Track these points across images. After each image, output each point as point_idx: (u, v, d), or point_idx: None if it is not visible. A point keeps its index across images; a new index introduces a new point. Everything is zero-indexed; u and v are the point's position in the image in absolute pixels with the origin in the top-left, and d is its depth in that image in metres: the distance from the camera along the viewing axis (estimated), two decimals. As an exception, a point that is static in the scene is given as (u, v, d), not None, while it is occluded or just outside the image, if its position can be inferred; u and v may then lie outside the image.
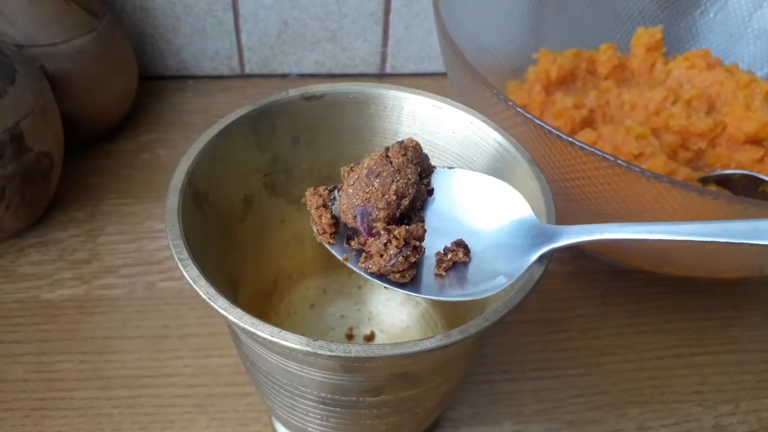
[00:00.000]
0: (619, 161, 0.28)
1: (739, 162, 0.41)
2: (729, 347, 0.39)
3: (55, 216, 0.44)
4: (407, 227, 0.22)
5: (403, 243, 0.21)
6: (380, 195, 0.22)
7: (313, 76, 0.59)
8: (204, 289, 0.20)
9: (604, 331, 0.39)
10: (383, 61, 0.59)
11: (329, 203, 0.23)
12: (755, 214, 0.28)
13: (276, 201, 0.31)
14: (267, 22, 0.55)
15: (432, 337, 0.19)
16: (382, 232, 0.21)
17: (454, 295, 0.22)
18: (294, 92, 0.28)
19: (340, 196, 0.23)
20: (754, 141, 0.42)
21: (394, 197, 0.22)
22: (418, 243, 0.22)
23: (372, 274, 0.22)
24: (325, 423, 0.26)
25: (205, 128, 0.26)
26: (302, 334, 0.19)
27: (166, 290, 0.39)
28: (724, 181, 0.40)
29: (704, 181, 0.40)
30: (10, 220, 0.39)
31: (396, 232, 0.21)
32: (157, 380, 0.35)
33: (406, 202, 0.22)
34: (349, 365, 0.21)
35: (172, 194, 0.23)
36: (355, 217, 0.22)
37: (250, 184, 0.29)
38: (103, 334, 0.37)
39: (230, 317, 0.19)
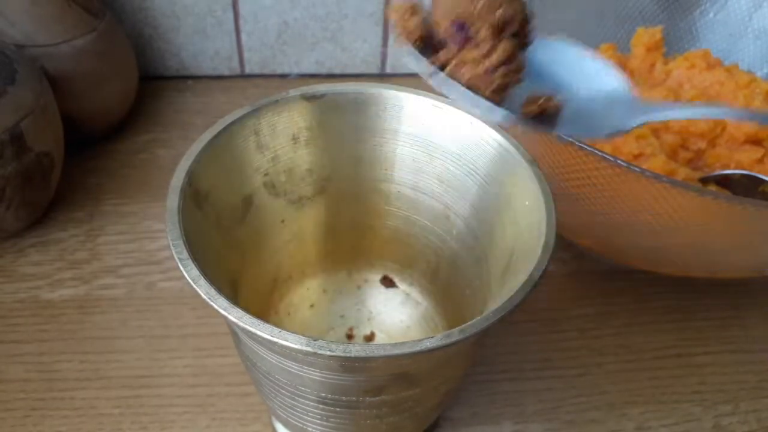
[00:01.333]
0: (619, 161, 0.28)
1: (739, 162, 0.41)
2: (729, 347, 0.39)
3: (55, 216, 0.44)
4: (514, 42, 0.19)
5: (506, 56, 0.19)
6: (486, 11, 0.20)
7: (313, 76, 0.59)
8: (204, 289, 0.20)
9: (604, 331, 0.39)
10: (383, 61, 0.59)
11: (418, 9, 0.21)
12: (755, 214, 0.28)
13: (276, 201, 0.31)
14: (267, 23, 0.55)
15: (432, 337, 0.19)
16: (487, 40, 0.19)
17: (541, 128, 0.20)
18: (294, 92, 0.29)
19: (434, 2, 0.21)
20: (754, 141, 0.42)
21: (501, 18, 0.20)
22: (520, 64, 0.20)
23: (454, 86, 0.20)
24: (325, 423, 0.26)
25: (205, 128, 0.26)
26: (302, 334, 0.19)
27: (166, 290, 0.39)
28: (724, 181, 0.40)
29: (704, 181, 0.40)
30: (10, 219, 0.39)
31: (503, 43, 0.19)
32: (158, 380, 0.35)
33: (510, 29, 0.20)
34: (349, 365, 0.21)
35: (172, 194, 0.23)
36: (452, 25, 0.20)
37: (250, 184, 0.29)
38: (103, 334, 0.37)
39: (230, 317, 0.19)
